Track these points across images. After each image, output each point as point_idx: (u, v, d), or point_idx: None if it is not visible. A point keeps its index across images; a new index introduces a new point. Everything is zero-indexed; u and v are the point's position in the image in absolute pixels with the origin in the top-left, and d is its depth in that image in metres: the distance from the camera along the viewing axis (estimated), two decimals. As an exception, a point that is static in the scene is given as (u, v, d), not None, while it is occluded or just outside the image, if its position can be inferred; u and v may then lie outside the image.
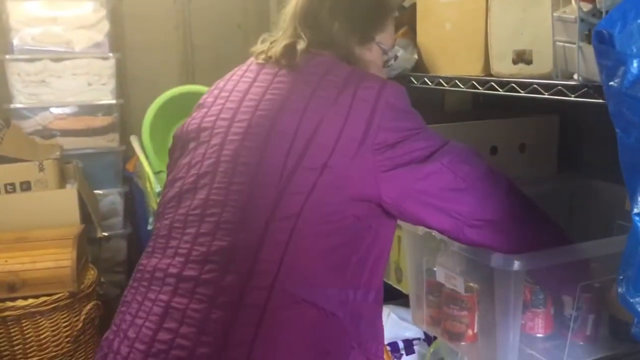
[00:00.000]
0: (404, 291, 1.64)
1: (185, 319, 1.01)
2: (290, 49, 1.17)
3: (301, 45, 1.16)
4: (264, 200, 1.04)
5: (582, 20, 1.09)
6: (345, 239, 1.06)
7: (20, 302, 2.06)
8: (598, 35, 0.79)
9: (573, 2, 1.12)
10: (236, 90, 1.19)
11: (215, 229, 1.05)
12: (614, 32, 0.78)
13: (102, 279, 2.58)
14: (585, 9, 1.09)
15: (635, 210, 0.81)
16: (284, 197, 1.03)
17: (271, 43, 1.22)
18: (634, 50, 0.77)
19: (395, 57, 1.28)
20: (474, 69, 1.45)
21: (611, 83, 0.77)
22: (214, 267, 1.02)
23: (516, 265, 1.17)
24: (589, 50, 1.07)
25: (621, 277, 0.88)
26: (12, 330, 2.05)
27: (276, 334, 1.00)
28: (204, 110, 1.21)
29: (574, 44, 1.11)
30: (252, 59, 1.25)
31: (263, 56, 1.21)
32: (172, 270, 1.06)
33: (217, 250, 1.03)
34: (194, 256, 1.05)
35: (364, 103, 1.07)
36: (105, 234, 2.81)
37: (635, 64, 0.75)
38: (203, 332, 0.99)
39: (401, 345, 1.78)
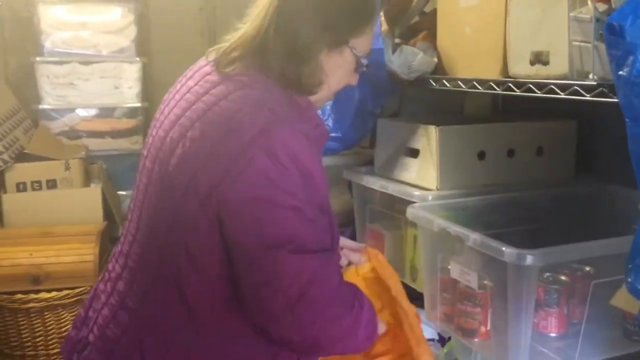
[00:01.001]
0: (419, 289, 1.65)
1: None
2: (240, 51, 1.10)
3: (252, 50, 1.09)
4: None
5: (597, 20, 1.11)
6: None
7: (43, 295, 2.12)
8: (609, 27, 0.82)
9: (589, 2, 1.14)
10: (167, 100, 1.18)
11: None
12: (625, 25, 0.81)
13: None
14: (601, 9, 1.11)
15: (644, 200, 0.83)
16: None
17: (229, 39, 1.14)
18: (645, 42, 0.79)
19: (366, 66, 1.20)
20: (492, 72, 1.47)
21: (620, 72, 0.79)
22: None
23: (529, 260, 1.19)
24: (604, 49, 1.09)
25: (630, 267, 0.89)
26: (34, 322, 2.11)
27: None
28: (153, 122, 1.20)
29: (590, 43, 1.13)
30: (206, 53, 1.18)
31: (214, 54, 1.14)
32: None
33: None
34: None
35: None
36: (127, 233, 2.86)
37: (644, 54, 0.77)
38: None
39: (415, 345, 1.79)
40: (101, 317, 1.13)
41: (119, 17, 2.92)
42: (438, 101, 2.03)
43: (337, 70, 1.15)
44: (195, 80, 1.13)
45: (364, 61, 1.18)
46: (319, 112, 1.84)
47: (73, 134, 2.86)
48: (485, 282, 1.37)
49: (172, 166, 1.04)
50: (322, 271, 1.03)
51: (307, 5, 1.09)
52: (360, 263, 1.33)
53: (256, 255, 0.99)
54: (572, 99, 1.22)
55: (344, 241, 1.33)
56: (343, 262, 1.32)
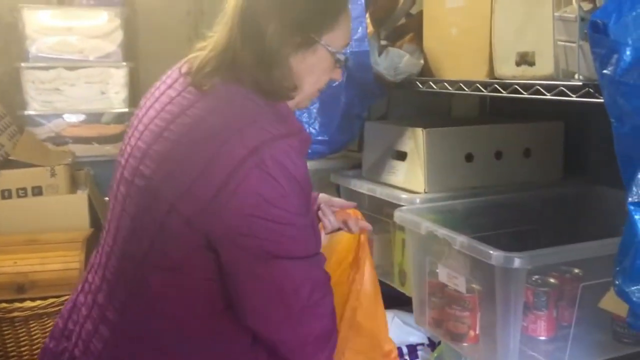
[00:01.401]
0: (407, 294, 1.64)
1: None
2: (211, 68, 1.07)
3: (225, 63, 1.07)
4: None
5: (582, 19, 1.10)
6: None
7: (28, 303, 2.08)
8: (593, 25, 0.81)
9: (574, 1, 1.13)
10: (146, 107, 1.14)
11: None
12: (609, 22, 0.79)
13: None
14: (585, 8, 1.10)
15: (630, 200, 0.82)
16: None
17: (201, 49, 1.12)
18: (629, 40, 0.78)
19: (346, 60, 1.16)
20: (479, 73, 1.46)
21: (605, 71, 0.78)
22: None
23: (517, 262, 1.18)
24: (589, 49, 1.08)
25: (617, 269, 0.88)
26: (19, 331, 2.07)
27: None
28: (130, 130, 1.17)
29: (575, 43, 1.12)
30: (178, 65, 1.16)
31: (186, 67, 1.12)
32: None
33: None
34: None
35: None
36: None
37: (628, 52, 0.76)
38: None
39: (405, 350, 1.77)
40: (84, 331, 1.11)
41: (105, 21, 2.90)
42: (425, 103, 2.02)
43: (314, 70, 1.12)
44: (176, 91, 1.10)
45: (341, 56, 1.14)
46: (306, 114, 1.84)
47: (59, 139, 2.83)
48: (474, 285, 1.35)
49: (157, 181, 1.02)
50: (315, 274, 1.06)
51: (271, 9, 1.06)
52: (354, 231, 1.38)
53: (254, 269, 1.00)
54: (558, 99, 1.21)
55: (332, 199, 1.40)
56: (334, 224, 1.36)
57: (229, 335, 1.08)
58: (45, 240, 2.25)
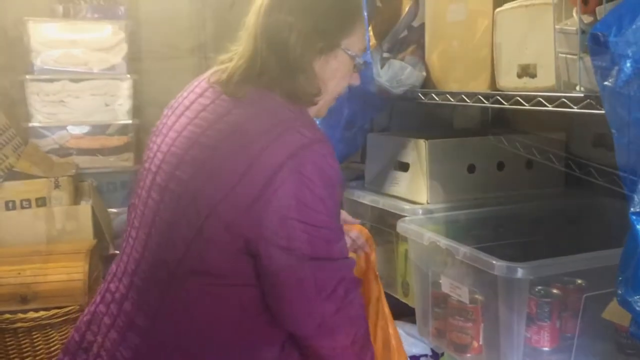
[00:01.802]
0: (410, 304, 1.64)
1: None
2: (241, 77, 1.11)
3: (253, 72, 1.10)
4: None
5: (583, 32, 1.11)
6: None
7: (31, 314, 2.08)
8: (594, 37, 0.82)
9: (574, 14, 1.14)
10: (175, 115, 1.16)
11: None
12: (609, 35, 0.80)
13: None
14: (586, 21, 1.11)
15: (632, 210, 0.83)
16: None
17: (225, 62, 1.16)
18: (629, 52, 0.79)
19: (365, 63, 1.22)
20: (481, 85, 1.47)
21: (606, 83, 0.79)
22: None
23: (519, 273, 1.18)
24: (590, 61, 1.09)
25: (620, 279, 0.89)
26: (22, 342, 2.07)
27: None
28: (153, 138, 1.20)
29: (576, 55, 1.13)
30: (205, 75, 1.19)
31: (216, 77, 1.15)
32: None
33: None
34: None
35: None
36: (118, 251, 2.83)
37: (628, 64, 0.77)
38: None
39: (408, 361, 1.77)
40: (108, 340, 1.10)
41: (109, 34, 2.92)
42: (428, 115, 2.03)
43: (335, 75, 1.17)
44: (209, 99, 1.12)
45: (360, 60, 1.19)
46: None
47: (63, 151, 2.84)
48: (477, 296, 1.36)
49: (195, 187, 1.04)
50: (349, 275, 1.10)
51: (292, 16, 1.10)
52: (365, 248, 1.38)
53: (294, 271, 1.02)
54: (560, 110, 1.22)
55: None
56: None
57: (260, 342, 1.09)
58: (49, 251, 2.26)
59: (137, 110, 2.97)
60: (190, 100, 1.16)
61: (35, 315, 2.08)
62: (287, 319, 1.07)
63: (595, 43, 0.81)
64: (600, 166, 1.24)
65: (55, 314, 2.09)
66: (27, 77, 2.75)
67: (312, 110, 1.17)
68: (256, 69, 1.10)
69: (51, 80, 2.80)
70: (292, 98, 1.10)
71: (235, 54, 1.14)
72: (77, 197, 2.58)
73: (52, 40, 2.83)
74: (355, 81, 1.24)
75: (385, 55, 1.79)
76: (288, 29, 1.09)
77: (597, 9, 1.06)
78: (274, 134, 1.03)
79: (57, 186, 2.51)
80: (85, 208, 2.51)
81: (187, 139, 1.09)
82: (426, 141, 1.63)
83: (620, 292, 0.88)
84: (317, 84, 1.13)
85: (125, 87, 2.90)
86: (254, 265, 1.03)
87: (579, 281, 1.36)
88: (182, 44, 3.21)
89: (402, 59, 1.72)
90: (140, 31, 3.11)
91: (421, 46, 1.71)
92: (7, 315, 2.07)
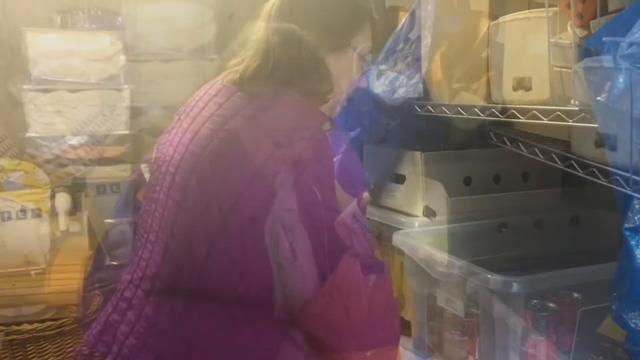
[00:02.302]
0: (406, 318, 1.63)
1: None
2: (255, 74, 1.13)
3: (266, 70, 1.12)
4: None
5: (577, 45, 1.11)
6: None
7: (25, 326, 2.07)
8: (587, 52, 0.82)
9: (569, 27, 1.14)
10: (190, 117, 1.18)
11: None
12: (602, 50, 0.80)
13: (109, 306, 2.58)
14: (581, 35, 1.11)
15: (626, 226, 0.82)
16: None
17: (237, 65, 1.17)
18: (621, 67, 0.79)
19: (367, 64, 1.27)
20: (476, 98, 1.47)
21: (598, 98, 0.79)
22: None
23: (515, 287, 1.18)
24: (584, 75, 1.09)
25: (615, 295, 0.88)
26: (16, 354, 2.05)
27: None
28: (166, 136, 1.21)
29: (570, 68, 1.13)
30: (218, 78, 1.21)
31: (230, 77, 1.17)
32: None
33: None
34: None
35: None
36: (114, 262, 2.82)
37: (621, 79, 0.77)
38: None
39: (404, 375, 1.76)
40: (126, 347, 1.09)
41: (107, 45, 2.92)
42: (424, 127, 2.02)
43: (346, 72, 1.20)
44: (224, 98, 1.14)
45: (368, 57, 1.23)
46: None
47: (59, 161, 2.83)
48: (473, 310, 1.35)
49: (216, 181, 1.05)
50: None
51: (303, 15, 1.14)
52: None
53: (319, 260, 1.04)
54: (555, 124, 1.21)
55: None
56: None
57: (279, 342, 1.08)
58: (44, 262, 2.24)
59: (134, 120, 2.96)
60: (204, 102, 1.17)
61: (30, 327, 2.06)
62: (307, 319, 1.06)
63: (588, 57, 0.80)
64: (602, 166, 1.24)
65: (50, 325, 2.07)
66: (25, 87, 2.74)
67: (324, 109, 1.19)
68: (269, 66, 1.12)
69: (48, 91, 2.79)
70: (306, 94, 1.13)
71: (247, 57, 1.16)
72: (73, 207, 2.57)
73: (50, 50, 2.82)
74: (362, 83, 1.28)
75: (382, 67, 1.79)
76: (299, 29, 1.12)
77: (592, 22, 1.06)
78: (290, 125, 1.07)
79: (53, 197, 2.50)
80: (81, 219, 2.50)
81: (205, 136, 1.10)
82: (422, 153, 1.63)
83: (614, 308, 0.87)
84: (330, 80, 1.16)
85: (122, 98, 2.90)
86: (276, 259, 1.03)
87: (575, 295, 1.35)
88: (180, 52, 3.20)
89: (399, 71, 1.72)
90: (138, 41, 3.11)
91: (417, 58, 1.70)
92: (1, 327, 2.05)
